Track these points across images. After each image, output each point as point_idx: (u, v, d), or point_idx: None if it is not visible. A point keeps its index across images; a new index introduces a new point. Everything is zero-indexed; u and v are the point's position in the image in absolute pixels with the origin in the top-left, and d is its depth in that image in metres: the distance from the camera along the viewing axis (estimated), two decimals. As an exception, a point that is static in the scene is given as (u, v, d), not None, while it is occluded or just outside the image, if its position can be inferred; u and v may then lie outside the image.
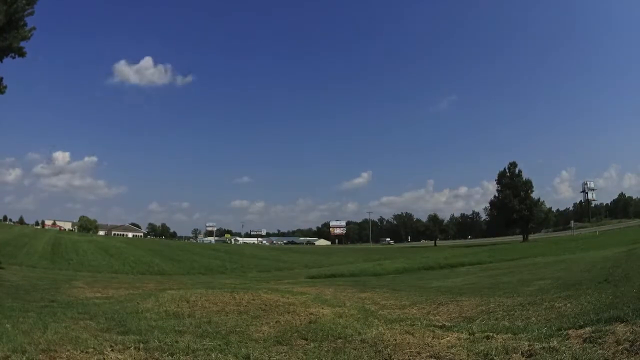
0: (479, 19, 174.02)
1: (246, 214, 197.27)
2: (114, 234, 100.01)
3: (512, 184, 66.18)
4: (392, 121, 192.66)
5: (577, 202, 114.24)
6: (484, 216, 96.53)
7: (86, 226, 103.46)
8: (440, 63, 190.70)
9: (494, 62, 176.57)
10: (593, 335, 3.84)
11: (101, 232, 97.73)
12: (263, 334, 5.37)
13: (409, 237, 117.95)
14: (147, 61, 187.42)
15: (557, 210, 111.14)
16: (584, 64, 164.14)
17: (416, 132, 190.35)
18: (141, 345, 4.59)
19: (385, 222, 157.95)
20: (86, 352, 4.32)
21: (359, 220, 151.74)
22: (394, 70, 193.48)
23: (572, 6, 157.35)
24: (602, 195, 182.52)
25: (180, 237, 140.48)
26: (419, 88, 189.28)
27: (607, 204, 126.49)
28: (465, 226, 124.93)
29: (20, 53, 10.83)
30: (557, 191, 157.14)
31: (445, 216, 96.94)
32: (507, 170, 68.44)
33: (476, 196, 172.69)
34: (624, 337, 3.61)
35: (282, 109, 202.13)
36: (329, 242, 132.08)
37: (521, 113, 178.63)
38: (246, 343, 4.80)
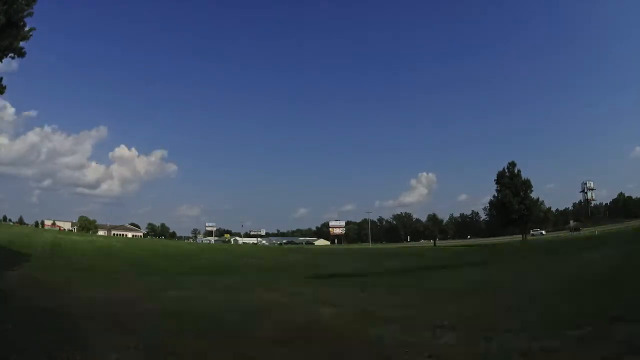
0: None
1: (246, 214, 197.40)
2: (114, 234, 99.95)
3: (511, 184, 66.33)
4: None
5: (577, 202, 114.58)
6: (483, 216, 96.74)
7: (86, 226, 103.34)
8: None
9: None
10: (592, 334, 3.85)
11: (101, 232, 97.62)
12: (263, 333, 5.37)
13: (408, 237, 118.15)
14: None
15: (557, 210, 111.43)
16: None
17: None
18: (141, 345, 4.59)
19: (384, 222, 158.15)
20: (86, 353, 4.32)
21: (358, 220, 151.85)
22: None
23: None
24: (602, 195, 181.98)
25: (180, 237, 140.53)
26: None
27: (606, 204, 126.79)
28: (464, 226, 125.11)
29: (20, 53, 10.82)
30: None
31: (444, 216, 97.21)
32: (506, 170, 68.55)
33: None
34: (622, 337, 3.62)
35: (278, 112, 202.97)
36: (328, 242, 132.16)
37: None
38: (246, 343, 4.81)
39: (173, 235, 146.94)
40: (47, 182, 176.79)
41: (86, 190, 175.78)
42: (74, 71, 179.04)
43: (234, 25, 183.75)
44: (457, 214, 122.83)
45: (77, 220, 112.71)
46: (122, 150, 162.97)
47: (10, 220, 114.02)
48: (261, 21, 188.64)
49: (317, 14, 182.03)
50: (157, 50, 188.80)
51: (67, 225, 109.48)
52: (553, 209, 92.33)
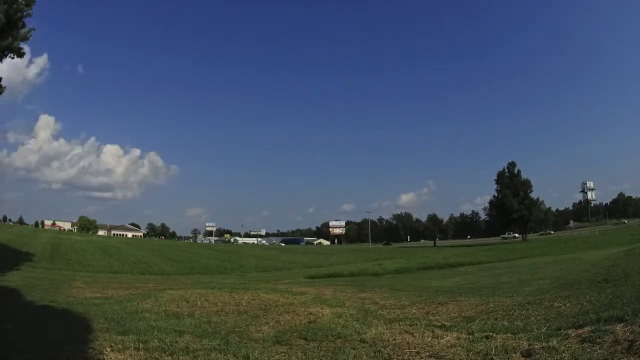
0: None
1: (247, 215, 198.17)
2: (114, 234, 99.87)
3: (512, 184, 66.28)
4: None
5: (577, 202, 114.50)
6: (483, 216, 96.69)
7: (86, 226, 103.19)
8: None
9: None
10: (592, 334, 3.84)
11: (101, 232, 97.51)
12: (262, 333, 5.37)
13: (408, 237, 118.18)
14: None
15: (557, 210, 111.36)
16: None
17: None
18: (141, 345, 4.59)
19: (384, 222, 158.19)
20: (86, 353, 4.32)
21: (358, 220, 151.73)
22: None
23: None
24: (602, 195, 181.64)
25: (180, 237, 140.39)
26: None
27: (606, 204, 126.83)
28: (464, 226, 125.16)
29: (19, 54, 10.81)
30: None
31: (444, 216, 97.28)
32: (506, 170, 68.54)
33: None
34: (623, 337, 3.61)
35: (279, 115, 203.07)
36: (328, 242, 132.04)
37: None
38: (246, 343, 4.80)
39: (173, 236, 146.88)
40: (55, 185, 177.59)
41: (88, 192, 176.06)
42: (72, 72, 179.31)
43: (235, 26, 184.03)
44: (457, 214, 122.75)
45: (77, 220, 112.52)
46: (122, 152, 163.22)
47: (10, 220, 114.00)
48: (263, 22, 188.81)
49: (317, 15, 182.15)
50: (154, 51, 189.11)
51: (67, 226, 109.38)
52: (553, 209, 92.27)
